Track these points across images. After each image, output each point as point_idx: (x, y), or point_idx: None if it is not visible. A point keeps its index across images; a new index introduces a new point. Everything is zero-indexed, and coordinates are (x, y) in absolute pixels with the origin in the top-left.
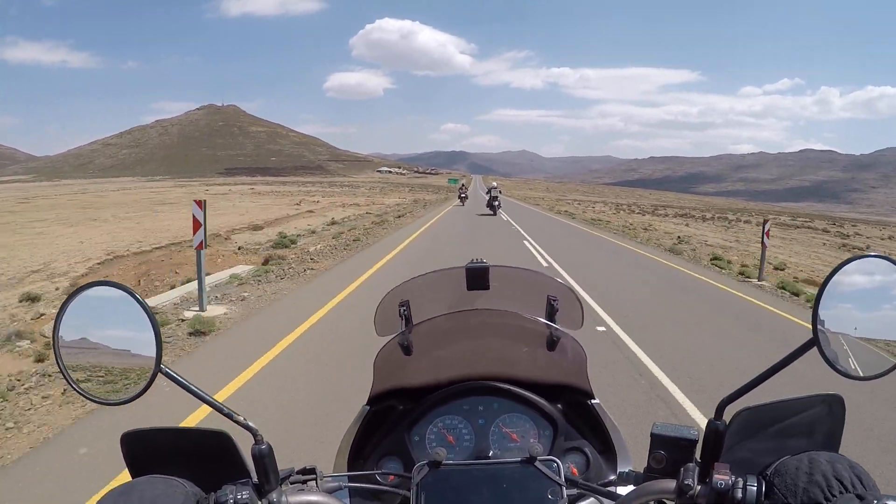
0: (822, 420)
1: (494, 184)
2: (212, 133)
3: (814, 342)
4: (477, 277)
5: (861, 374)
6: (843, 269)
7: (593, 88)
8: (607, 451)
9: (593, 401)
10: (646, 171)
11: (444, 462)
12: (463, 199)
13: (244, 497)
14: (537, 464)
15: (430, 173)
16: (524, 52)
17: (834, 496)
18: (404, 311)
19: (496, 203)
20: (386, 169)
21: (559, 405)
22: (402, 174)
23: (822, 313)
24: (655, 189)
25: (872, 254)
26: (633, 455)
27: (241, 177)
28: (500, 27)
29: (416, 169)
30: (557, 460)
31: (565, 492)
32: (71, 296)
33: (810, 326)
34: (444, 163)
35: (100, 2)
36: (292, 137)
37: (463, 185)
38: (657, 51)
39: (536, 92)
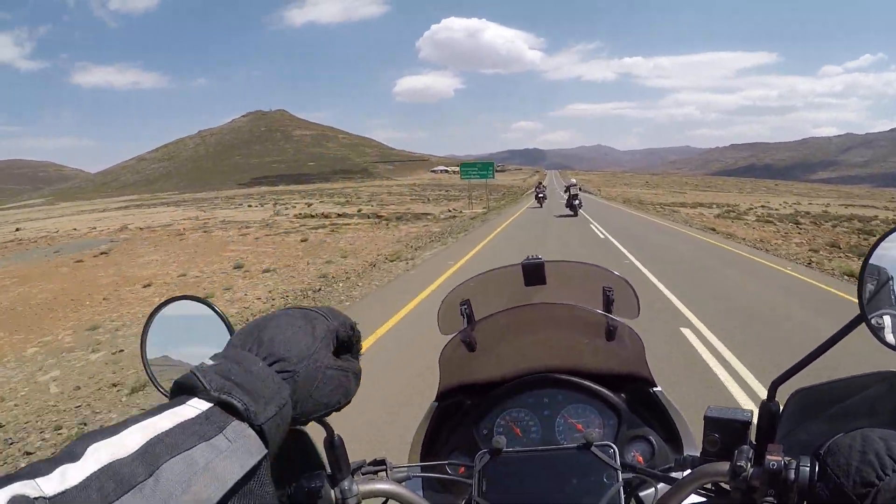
0: (882, 398)
1: (573, 180)
2: (251, 140)
3: (862, 317)
4: (533, 273)
5: None
6: (887, 238)
7: (667, 77)
8: (673, 438)
9: (655, 388)
10: (728, 160)
11: (504, 450)
12: (541, 200)
13: (317, 485)
14: (593, 449)
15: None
16: (594, 43)
17: (887, 475)
18: (465, 309)
19: (576, 202)
20: (441, 168)
21: (622, 394)
22: (457, 173)
23: (869, 287)
24: (747, 178)
25: None
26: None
27: (262, 187)
28: (569, 19)
29: None
30: (614, 445)
31: (621, 476)
32: (156, 309)
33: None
34: (521, 161)
35: (163, 23)
36: (341, 140)
37: (540, 183)
38: (732, 33)
39: (608, 84)
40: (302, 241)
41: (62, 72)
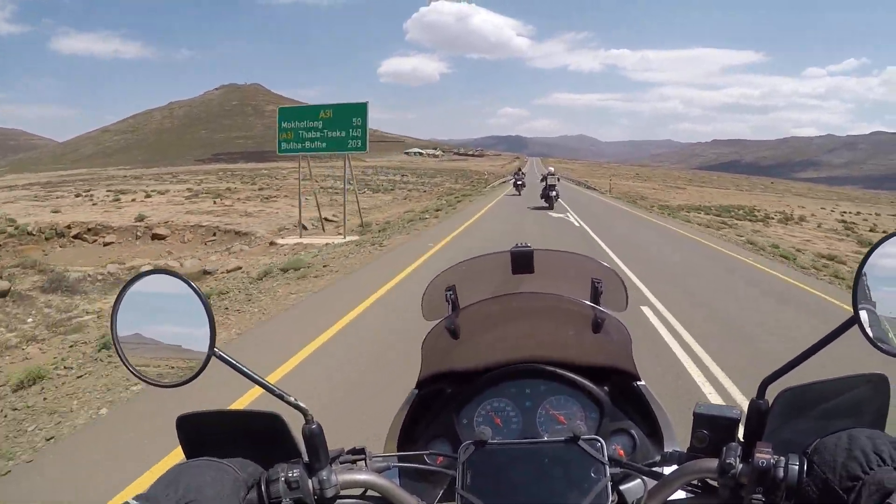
0: (867, 400)
1: (551, 169)
2: (221, 114)
3: (854, 320)
4: (522, 261)
5: None
6: (882, 244)
7: (653, 71)
8: (654, 432)
9: (639, 382)
10: (709, 155)
11: (489, 441)
12: (519, 188)
13: (294, 475)
14: (580, 443)
15: (473, 155)
16: (583, 33)
17: (872, 469)
18: (450, 295)
19: (553, 194)
20: (416, 150)
21: (605, 387)
22: (435, 156)
23: (861, 290)
24: (735, 174)
25: None
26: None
27: (219, 164)
28: (559, 8)
29: (456, 150)
30: (601, 439)
31: (608, 470)
32: (127, 284)
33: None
34: (504, 148)
35: None
36: None
37: (520, 169)
38: (720, 31)
39: (595, 75)
40: None
41: (43, 37)
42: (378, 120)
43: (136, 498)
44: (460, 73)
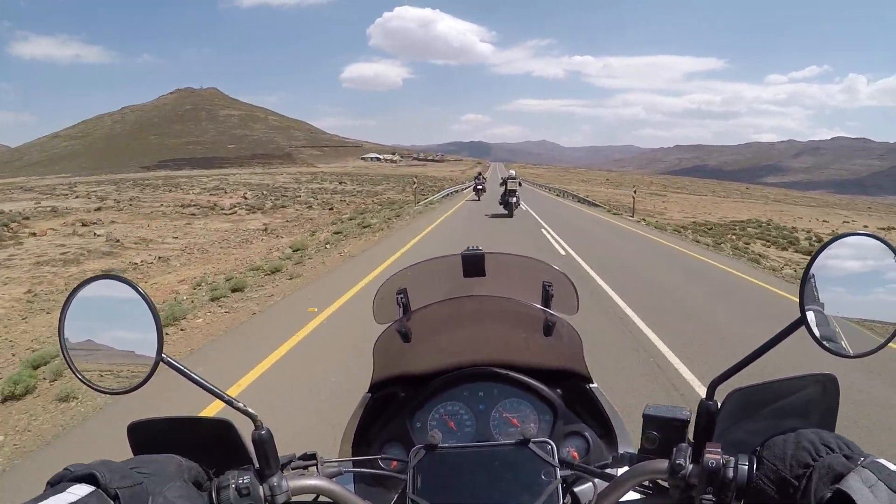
0: (816, 400)
1: (512, 172)
2: (174, 119)
3: (801, 321)
4: (473, 264)
5: (850, 352)
6: (829, 246)
7: (616, 77)
8: (608, 434)
9: (591, 385)
10: (672, 160)
11: (439, 445)
12: (479, 192)
13: (245, 482)
14: (531, 445)
15: (433, 160)
16: (547, 40)
17: (821, 457)
18: (402, 298)
19: (514, 200)
20: (373, 155)
21: (558, 390)
22: (393, 161)
23: (809, 292)
24: (698, 178)
25: (860, 232)
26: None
27: (165, 171)
28: (523, 15)
29: (414, 155)
30: (551, 442)
31: (559, 473)
32: (75, 289)
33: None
34: (468, 153)
35: None
36: (270, 122)
37: (480, 174)
38: (684, 38)
39: (558, 81)
40: None
41: (1, 41)
42: (340, 126)
43: (90, 464)
44: (424, 78)
